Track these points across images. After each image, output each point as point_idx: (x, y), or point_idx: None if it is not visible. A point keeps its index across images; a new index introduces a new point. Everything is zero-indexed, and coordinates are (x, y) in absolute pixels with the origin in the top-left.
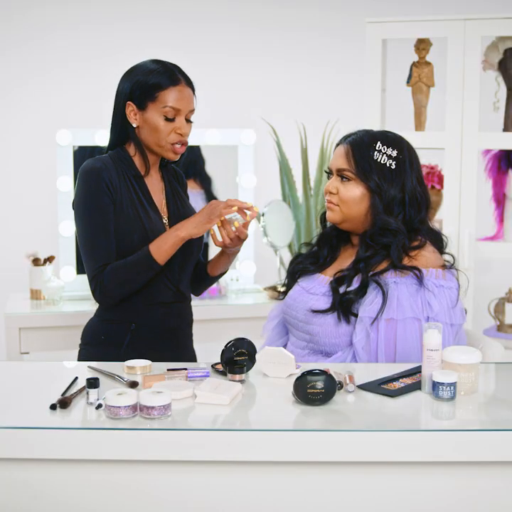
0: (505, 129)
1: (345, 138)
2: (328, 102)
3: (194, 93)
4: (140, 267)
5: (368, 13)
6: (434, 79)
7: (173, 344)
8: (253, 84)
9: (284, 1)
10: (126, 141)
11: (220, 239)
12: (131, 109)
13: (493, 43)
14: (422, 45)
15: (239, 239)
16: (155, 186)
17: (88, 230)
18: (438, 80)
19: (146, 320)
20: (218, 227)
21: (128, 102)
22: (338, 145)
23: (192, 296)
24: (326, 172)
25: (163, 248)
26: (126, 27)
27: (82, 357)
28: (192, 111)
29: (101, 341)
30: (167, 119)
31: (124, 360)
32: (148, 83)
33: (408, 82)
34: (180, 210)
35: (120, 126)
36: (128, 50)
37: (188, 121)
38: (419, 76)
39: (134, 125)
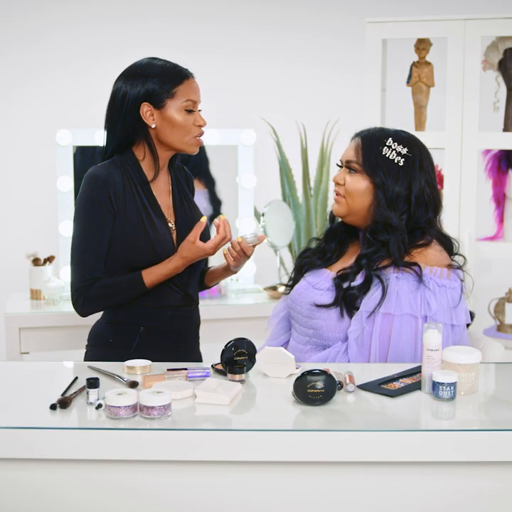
0: (505, 129)
1: (359, 132)
2: (328, 102)
3: None
4: (128, 290)
5: (368, 13)
6: (434, 79)
7: (181, 347)
8: (253, 85)
9: (283, 1)
10: (133, 145)
11: (231, 259)
12: (147, 110)
13: (493, 43)
14: (422, 45)
15: (245, 255)
16: (162, 189)
17: (82, 240)
18: (438, 80)
19: (155, 323)
20: (228, 249)
21: (144, 103)
22: (352, 139)
23: None
24: (337, 165)
25: (156, 277)
26: (126, 27)
27: (89, 359)
28: (200, 102)
29: (109, 344)
30: (188, 113)
31: None
32: (164, 81)
33: (408, 82)
34: (188, 214)
35: (131, 129)
36: (128, 50)
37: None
38: (419, 76)
39: (153, 126)
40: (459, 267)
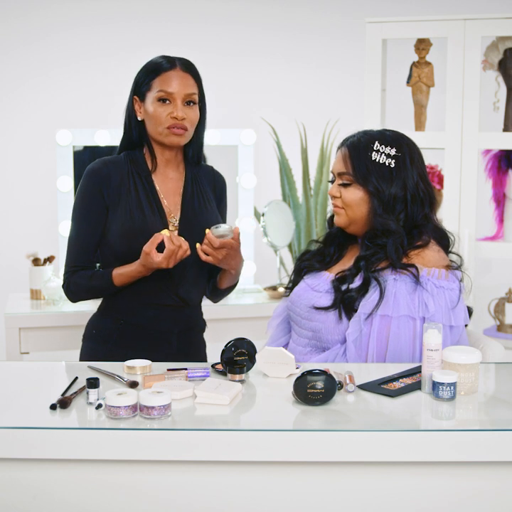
0: (505, 129)
1: (345, 141)
2: (328, 102)
3: (197, 79)
4: (101, 286)
5: (368, 13)
6: (434, 79)
7: (163, 347)
8: (253, 85)
9: (283, 1)
10: (142, 140)
11: (202, 253)
12: (136, 103)
13: (493, 43)
14: (422, 45)
15: (215, 249)
16: (169, 185)
17: (74, 230)
18: (438, 80)
19: (135, 319)
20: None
21: (134, 97)
22: (338, 148)
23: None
24: (331, 172)
25: (124, 279)
26: (126, 27)
27: (81, 351)
28: (190, 94)
29: (93, 335)
30: (162, 102)
31: (110, 357)
32: (145, 74)
33: (408, 82)
34: (197, 213)
35: (135, 125)
36: (128, 50)
37: (190, 104)
38: (419, 76)
39: (139, 118)
40: (457, 268)
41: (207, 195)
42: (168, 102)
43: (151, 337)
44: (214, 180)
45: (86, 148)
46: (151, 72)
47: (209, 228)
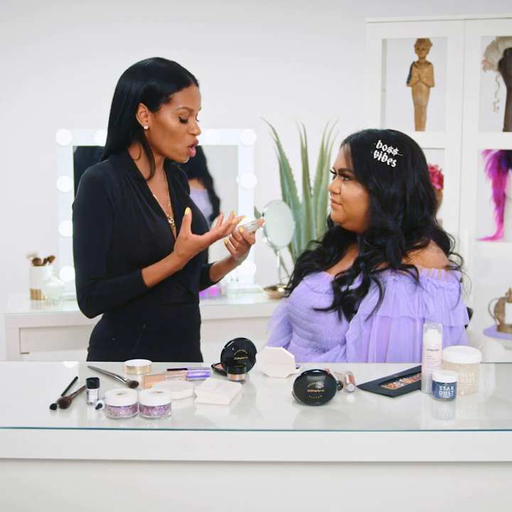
0: (505, 129)
1: (348, 138)
2: (328, 102)
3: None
4: (129, 289)
5: (368, 13)
6: (434, 79)
7: (183, 345)
8: (253, 85)
9: (283, 1)
10: (130, 144)
11: (234, 248)
12: (142, 111)
13: (493, 43)
14: (422, 45)
15: (248, 245)
16: (158, 187)
17: (82, 242)
18: (438, 80)
19: (157, 320)
20: (230, 239)
21: (140, 104)
22: (341, 145)
23: None
24: (331, 172)
25: (156, 277)
26: (126, 27)
27: (92, 360)
28: (200, 109)
29: (111, 343)
30: (181, 121)
31: None
32: (162, 85)
33: (408, 82)
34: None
35: (127, 128)
36: (128, 50)
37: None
38: (419, 76)
39: (145, 127)
40: (457, 268)
41: (184, 191)
42: (186, 118)
43: (172, 336)
44: (181, 177)
45: (86, 148)
46: (171, 86)
47: (242, 227)
